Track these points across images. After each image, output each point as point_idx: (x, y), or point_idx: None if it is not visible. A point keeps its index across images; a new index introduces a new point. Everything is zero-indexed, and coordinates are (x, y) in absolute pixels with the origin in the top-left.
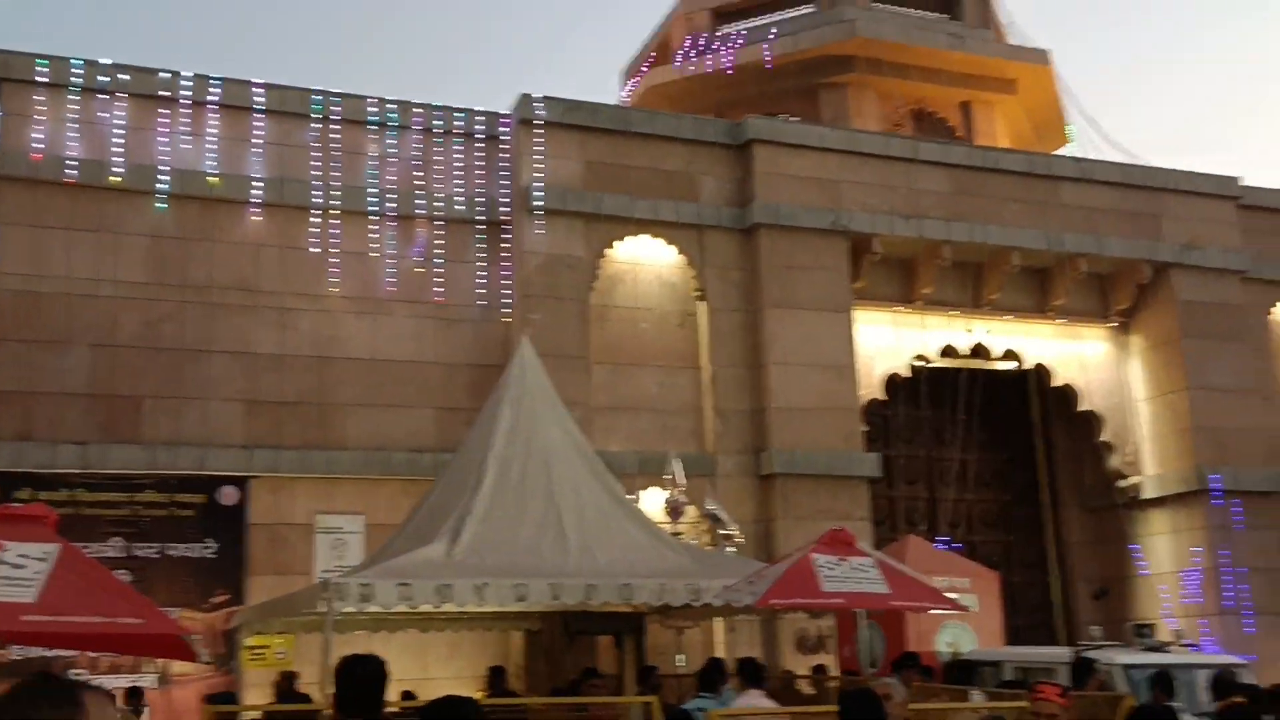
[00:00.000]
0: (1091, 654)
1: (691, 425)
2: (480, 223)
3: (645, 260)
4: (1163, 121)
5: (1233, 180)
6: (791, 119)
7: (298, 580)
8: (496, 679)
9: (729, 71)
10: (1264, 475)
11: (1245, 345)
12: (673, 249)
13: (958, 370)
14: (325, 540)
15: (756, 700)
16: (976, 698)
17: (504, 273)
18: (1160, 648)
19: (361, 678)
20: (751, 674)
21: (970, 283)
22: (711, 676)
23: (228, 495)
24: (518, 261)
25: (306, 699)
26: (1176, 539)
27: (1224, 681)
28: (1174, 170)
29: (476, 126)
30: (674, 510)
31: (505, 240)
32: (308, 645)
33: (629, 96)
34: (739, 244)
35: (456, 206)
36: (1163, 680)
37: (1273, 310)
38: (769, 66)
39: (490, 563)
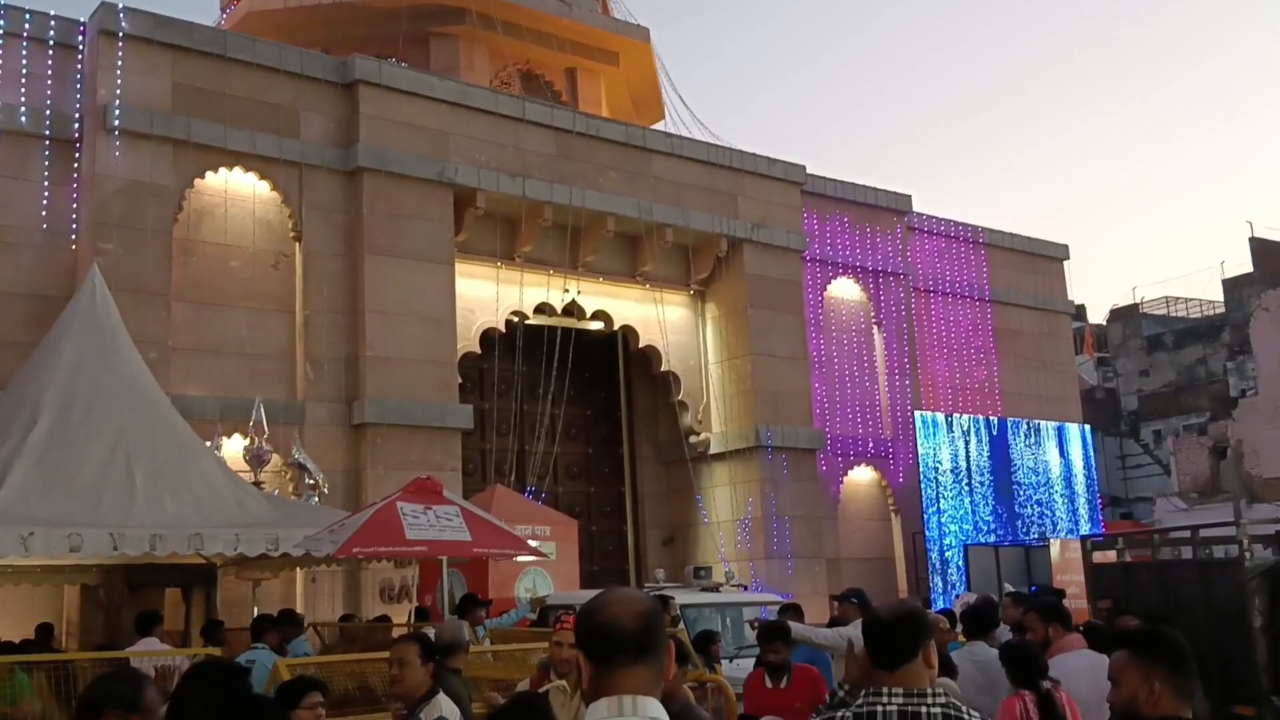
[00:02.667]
0: (664, 593)
1: (282, 371)
2: (47, 138)
3: (239, 195)
4: (747, 110)
5: (800, 168)
6: (402, 64)
7: None
8: (43, 637)
9: (339, 6)
10: (807, 434)
11: (799, 317)
12: (269, 184)
13: (552, 328)
14: None
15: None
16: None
17: (72, 196)
18: (715, 588)
19: None
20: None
21: (568, 244)
22: (261, 628)
23: None
24: (90, 185)
25: None
26: (734, 490)
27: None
28: (751, 154)
29: (49, 32)
30: (256, 459)
31: (77, 160)
32: None
33: (228, 21)
34: (342, 186)
35: (20, 119)
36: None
37: (827, 287)
38: (380, 7)
39: (40, 510)
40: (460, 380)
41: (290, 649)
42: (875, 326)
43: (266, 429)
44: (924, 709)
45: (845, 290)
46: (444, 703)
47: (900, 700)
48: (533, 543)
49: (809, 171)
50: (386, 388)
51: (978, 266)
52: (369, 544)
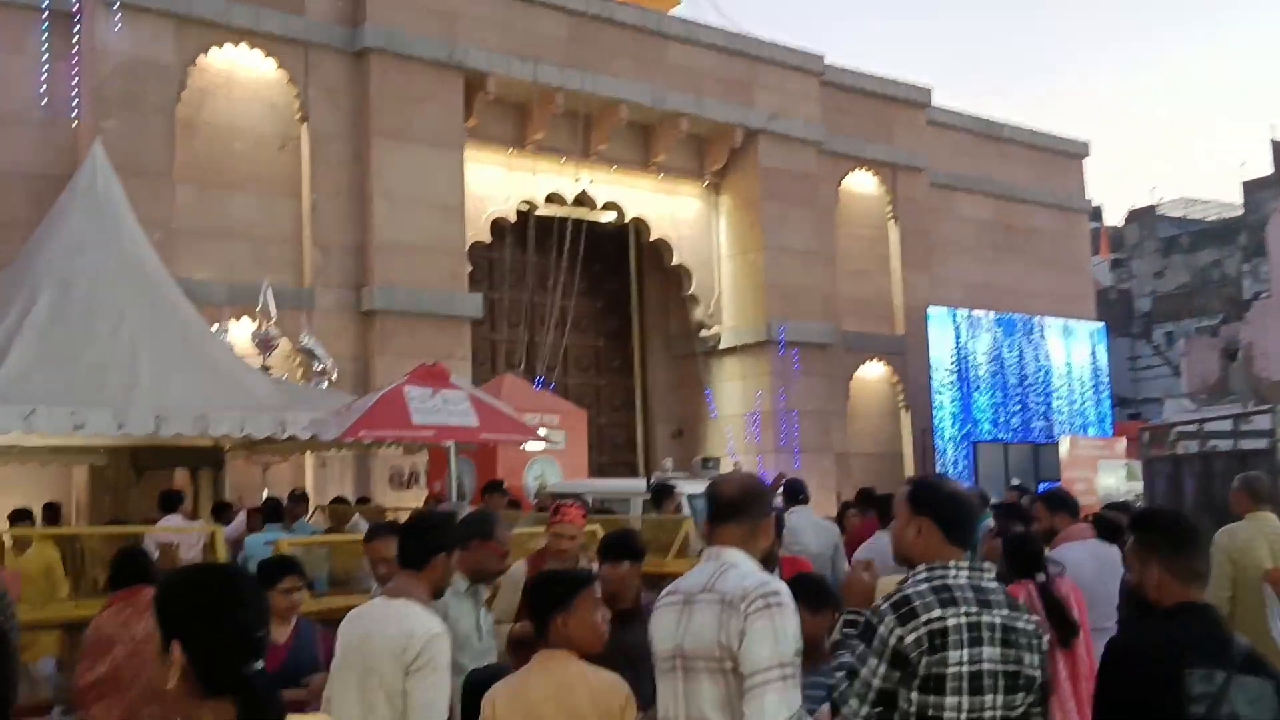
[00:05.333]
0: (668, 483)
1: (289, 256)
2: (45, 10)
3: (244, 74)
4: None
5: (817, 57)
6: None
7: None
8: (51, 515)
9: None
10: (819, 329)
11: (814, 211)
12: (274, 63)
13: (563, 218)
14: None
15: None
16: None
17: (72, 72)
18: None
19: None
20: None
21: (580, 132)
22: (276, 508)
23: None
24: (90, 60)
25: None
26: (744, 384)
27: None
28: (768, 42)
29: None
30: (264, 344)
31: (77, 35)
32: None
33: None
34: (349, 67)
35: None
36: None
37: (843, 181)
38: None
39: (43, 388)
40: (469, 269)
41: (296, 529)
42: (891, 221)
43: (275, 313)
44: (984, 579)
45: (861, 184)
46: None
47: (966, 572)
48: (541, 432)
49: (826, 62)
50: (395, 275)
51: (996, 162)
52: (375, 427)
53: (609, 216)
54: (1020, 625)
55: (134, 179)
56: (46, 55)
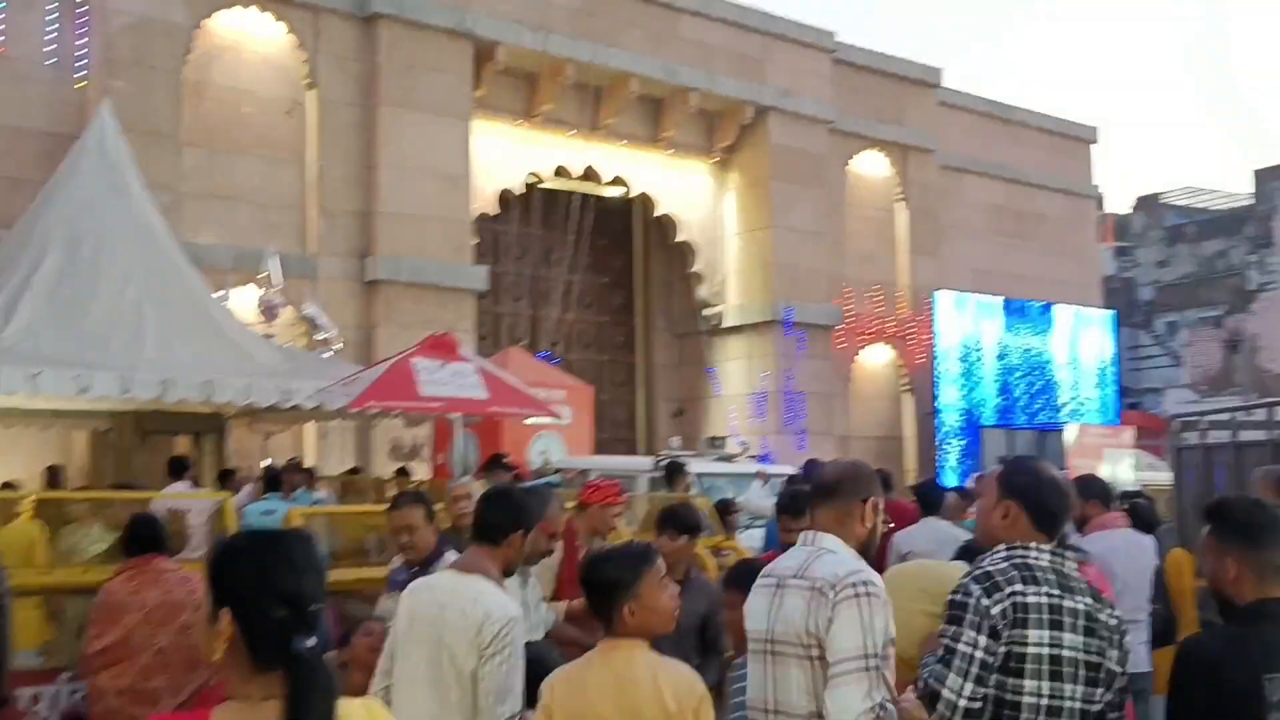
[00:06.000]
0: (678, 461)
1: (294, 222)
2: None
3: (252, 37)
4: None
5: (829, 34)
6: None
7: None
8: (53, 478)
9: None
10: (825, 310)
11: (823, 191)
12: (283, 27)
13: (569, 192)
14: None
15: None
16: None
17: (81, 30)
18: (729, 458)
19: None
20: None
21: (589, 105)
22: (275, 477)
23: None
24: (99, 19)
25: None
26: (749, 364)
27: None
28: (780, 17)
29: None
30: (268, 310)
31: None
32: None
33: None
34: (358, 33)
35: None
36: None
37: (851, 162)
38: None
39: (49, 349)
40: (475, 241)
41: (295, 498)
42: (900, 203)
43: (281, 279)
44: (1065, 565)
45: (871, 164)
46: (453, 560)
47: (1049, 555)
48: (554, 408)
49: (838, 39)
50: (400, 245)
51: (1005, 145)
52: (383, 398)
53: (616, 191)
54: (1103, 617)
55: (141, 139)
56: (56, 13)
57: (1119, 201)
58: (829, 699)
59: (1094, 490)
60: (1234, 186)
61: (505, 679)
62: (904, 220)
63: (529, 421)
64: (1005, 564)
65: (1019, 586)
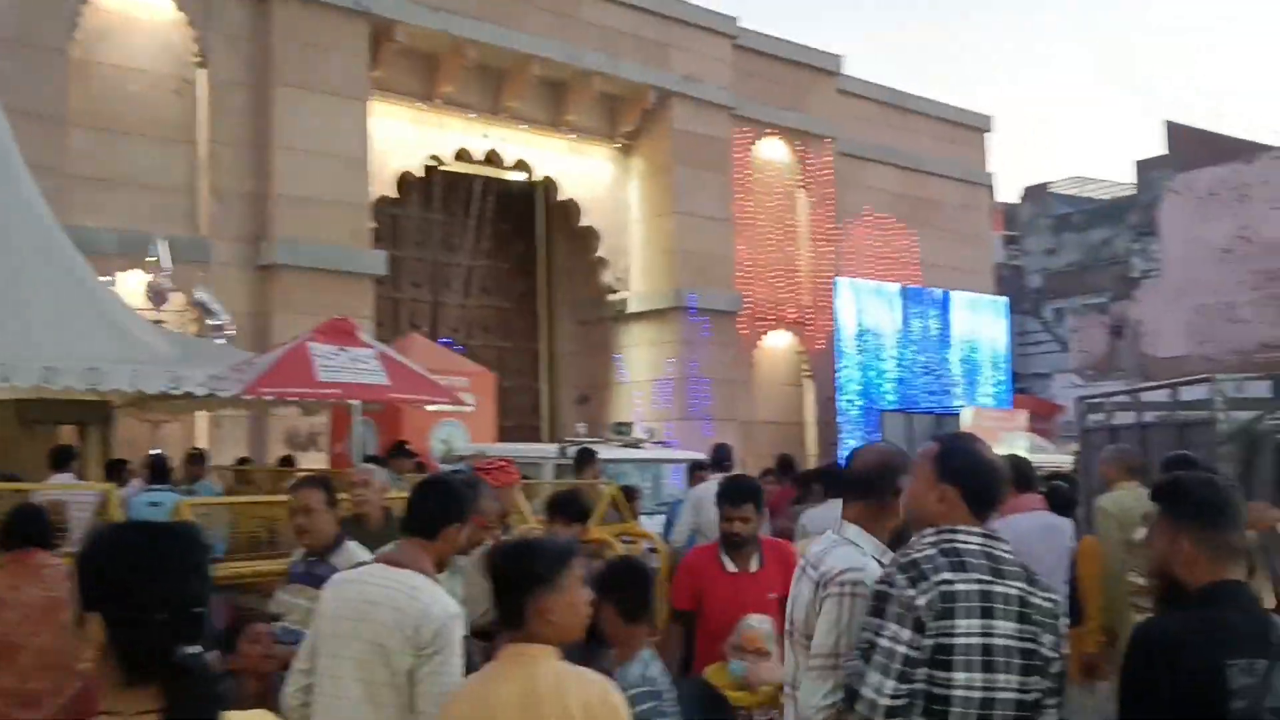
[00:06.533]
0: (588, 447)
1: (185, 206)
2: None
3: (140, 14)
4: None
5: (731, 19)
6: None
7: None
8: None
9: None
10: (728, 296)
11: (725, 177)
12: (172, 4)
13: (471, 175)
14: None
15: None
16: None
17: None
18: (635, 444)
19: None
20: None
21: (491, 88)
22: (161, 466)
23: None
24: None
25: None
26: (654, 351)
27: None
28: (683, 2)
29: None
30: (157, 296)
31: None
32: None
33: None
34: (251, 11)
35: None
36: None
37: (753, 148)
38: None
39: None
40: (373, 225)
41: (196, 490)
42: (800, 189)
43: (170, 264)
44: (998, 548)
45: (772, 150)
46: (355, 549)
47: (979, 537)
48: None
49: (740, 25)
50: (296, 229)
51: (902, 134)
52: (278, 384)
53: (518, 176)
54: (1038, 600)
55: (24, 121)
56: None
57: (1010, 191)
58: (799, 688)
59: (1012, 471)
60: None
61: (448, 680)
62: (804, 207)
63: (432, 409)
64: (933, 550)
65: (947, 575)
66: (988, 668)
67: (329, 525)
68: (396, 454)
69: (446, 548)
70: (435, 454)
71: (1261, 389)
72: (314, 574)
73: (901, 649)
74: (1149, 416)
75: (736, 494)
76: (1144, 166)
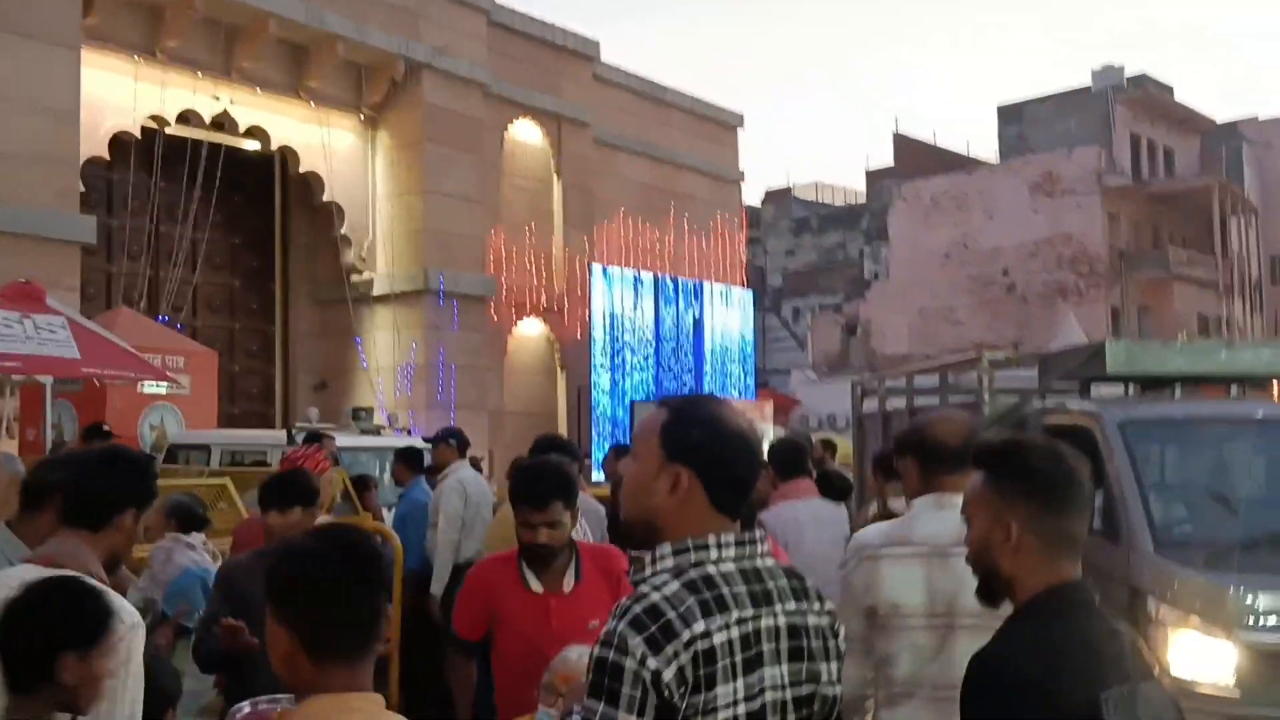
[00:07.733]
0: (324, 432)
1: None
2: None
3: None
4: None
5: None
6: None
7: None
8: None
9: None
10: (479, 281)
11: (479, 158)
12: None
13: (198, 141)
14: None
15: None
16: None
17: None
18: (376, 431)
19: None
20: None
21: (222, 45)
22: None
23: None
24: None
25: None
26: (398, 335)
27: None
28: None
29: None
30: None
31: None
32: None
33: None
34: None
35: None
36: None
37: (508, 129)
38: None
39: None
40: (84, 190)
41: None
42: (555, 175)
43: None
44: (760, 558)
45: (527, 133)
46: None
47: (734, 549)
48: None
49: (496, 1)
50: None
51: (657, 126)
52: None
53: (252, 144)
54: (811, 621)
55: None
56: None
57: (753, 194)
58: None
59: (774, 456)
60: (855, 184)
61: (133, 697)
62: (559, 193)
63: (147, 390)
64: (677, 585)
65: (700, 625)
66: None
67: None
68: (92, 436)
69: (120, 540)
70: (145, 440)
71: (1031, 377)
72: None
73: None
74: (919, 401)
75: (539, 491)
76: (873, 176)
